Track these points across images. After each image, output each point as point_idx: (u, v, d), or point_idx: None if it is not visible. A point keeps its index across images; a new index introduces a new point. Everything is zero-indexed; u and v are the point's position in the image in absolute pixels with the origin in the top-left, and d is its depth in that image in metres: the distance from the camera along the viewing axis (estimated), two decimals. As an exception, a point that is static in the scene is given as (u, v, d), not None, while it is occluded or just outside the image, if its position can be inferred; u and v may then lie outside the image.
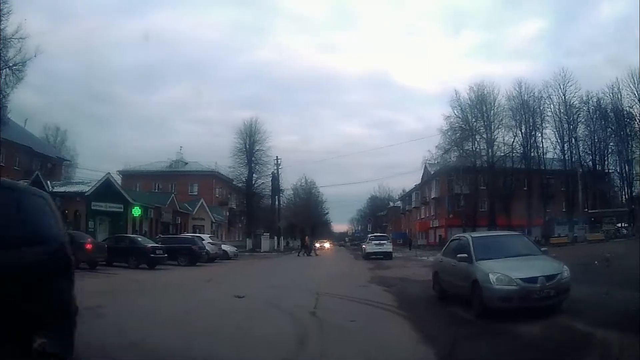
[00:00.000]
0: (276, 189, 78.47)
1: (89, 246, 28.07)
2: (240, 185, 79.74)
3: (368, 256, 46.96)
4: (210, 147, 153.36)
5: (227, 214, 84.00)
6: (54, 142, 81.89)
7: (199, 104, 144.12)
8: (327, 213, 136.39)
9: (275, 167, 77.23)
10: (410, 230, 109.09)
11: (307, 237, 66.95)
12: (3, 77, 40.02)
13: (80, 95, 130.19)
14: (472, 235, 14.94)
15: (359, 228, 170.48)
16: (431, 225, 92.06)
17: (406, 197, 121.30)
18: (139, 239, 34.20)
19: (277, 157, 77.48)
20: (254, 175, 77.32)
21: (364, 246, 53.80)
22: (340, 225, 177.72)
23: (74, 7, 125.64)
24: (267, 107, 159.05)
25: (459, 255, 13.71)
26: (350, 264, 42.53)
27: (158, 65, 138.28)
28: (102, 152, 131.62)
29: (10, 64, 39.94)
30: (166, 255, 32.20)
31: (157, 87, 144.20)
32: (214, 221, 73.48)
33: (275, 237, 76.50)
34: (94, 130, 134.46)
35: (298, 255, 57.25)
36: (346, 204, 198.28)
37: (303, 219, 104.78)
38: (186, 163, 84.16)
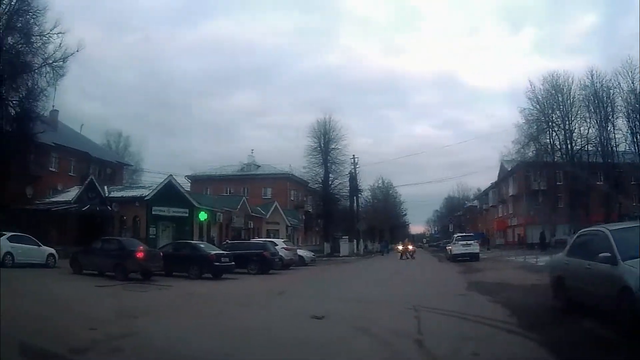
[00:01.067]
0: (354, 188, 75.99)
1: (140, 254, 25.59)
2: (316, 186, 77.60)
3: (454, 258, 45.20)
4: (281, 152, 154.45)
5: (303, 217, 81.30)
6: (117, 148, 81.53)
7: (269, 109, 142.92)
8: (405, 214, 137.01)
9: (352, 167, 75.14)
10: (487, 229, 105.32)
11: (407, 240, 66.41)
12: (43, 74, 38.67)
13: (147, 104, 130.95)
14: (611, 228, 11.55)
15: (436, 229, 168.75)
16: (509, 224, 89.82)
17: (483, 195, 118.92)
18: (202, 245, 31.52)
19: (353, 155, 75.59)
20: (330, 175, 75.17)
21: (449, 247, 51.64)
22: (416, 227, 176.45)
23: (135, 18, 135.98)
24: (337, 110, 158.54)
25: (600, 255, 10.39)
26: (437, 268, 41.12)
27: (226, 72, 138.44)
28: (170, 159, 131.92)
29: (50, 61, 38.52)
30: (233, 263, 29.34)
31: (225, 93, 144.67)
32: (289, 225, 71.23)
33: (355, 240, 73.70)
34: (162, 138, 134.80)
35: (400, 259, 55.68)
36: (422, 205, 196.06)
37: (382, 220, 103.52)
38: (258, 166, 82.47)
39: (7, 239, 28.59)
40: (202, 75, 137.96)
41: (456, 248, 46.26)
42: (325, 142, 74.05)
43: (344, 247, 69.67)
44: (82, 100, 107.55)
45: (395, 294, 20.47)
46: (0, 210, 39.60)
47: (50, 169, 50.06)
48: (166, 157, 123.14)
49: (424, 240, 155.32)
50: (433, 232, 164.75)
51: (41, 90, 38.87)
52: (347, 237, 72.98)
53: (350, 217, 76.47)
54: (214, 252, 29.28)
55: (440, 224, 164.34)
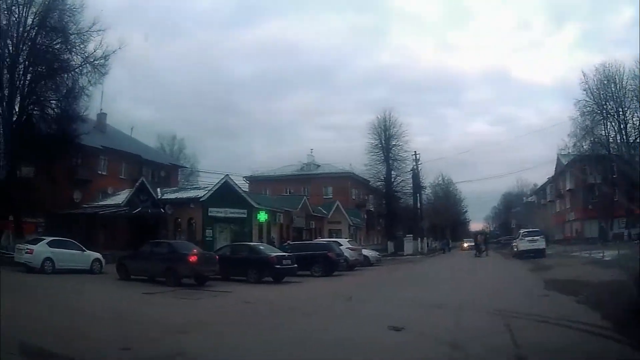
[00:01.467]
0: (417, 185, 73.44)
1: (193, 258, 23.79)
2: (378, 184, 75.87)
3: (521, 255, 43.75)
4: (340, 152, 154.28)
5: (365, 216, 79.43)
6: (171, 151, 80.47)
7: (327, 110, 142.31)
8: (465, 211, 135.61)
9: (414, 163, 72.40)
10: (546, 225, 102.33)
11: (478, 236, 65.78)
12: (84, 73, 36.87)
13: (203, 107, 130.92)
14: None
15: (495, 226, 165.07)
16: (567, 219, 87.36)
17: (540, 191, 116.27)
18: (261, 247, 29.84)
19: (415, 151, 72.75)
20: (392, 172, 72.91)
21: (514, 243, 50.41)
22: (475, 224, 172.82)
23: (188, 21, 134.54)
24: (394, 109, 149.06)
25: None
26: (505, 265, 40.53)
27: (282, 74, 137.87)
28: (228, 162, 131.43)
29: (91, 59, 36.81)
30: (295, 265, 27.27)
31: (282, 95, 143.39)
32: (351, 224, 69.47)
33: (419, 239, 71.12)
34: (219, 141, 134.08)
35: (476, 256, 55.44)
36: (480, 202, 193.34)
37: (443, 218, 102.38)
38: (318, 165, 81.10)
39: (47, 243, 27.17)
40: (259, 77, 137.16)
41: (522, 244, 44.71)
42: (386, 138, 72.06)
43: (408, 245, 67.42)
44: (135, 106, 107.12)
45: (473, 296, 18.75)
46: (45, 215, 38.56)
47: (100, 172, 48.20)
48: (224, 160, 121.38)
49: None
50: (492, 229, 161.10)
51: (82, 89, 37.11)
52: (410, 235, 70.29)
53: (413, 214, 73.95)
54: (275, 254, 27.37)
55: (498, 220, 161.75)
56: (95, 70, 36.89)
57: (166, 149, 79.93)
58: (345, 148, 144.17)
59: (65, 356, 8.58)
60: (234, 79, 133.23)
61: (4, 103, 34.03)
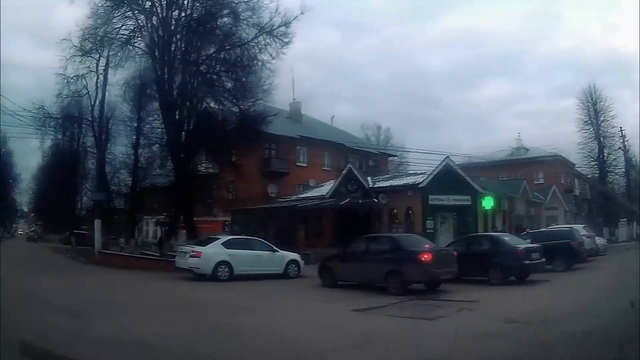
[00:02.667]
0: (629, 162, 68.93)
1: (426, 257, 17.52)
2: (592, 164, 73.18)
3: None
4: (536, 139, 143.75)
5: (574, 201, 73.46)
6: (377, 141, 77.64)
7: (520, 97, 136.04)
8: None
9: (622, 140, 68.21)
10: None
11: None
12: (262, 44, 32.91)
13: (400, 101, 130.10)
14: None
15: None
16: None
17: None
18: (506, 237, 23.39)
19: (620, 127, 68.02)
20: (604, 150, 70.64)
21: None
22: None
23: (374, 17, 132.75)
24: (597, 85, 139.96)
25: None
26: None
27: (471, 64, 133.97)
28: (432, 153, 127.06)
29: (268, 29, 32.55)
30: (544, 259, 21.67)
31: (474, 85, 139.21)
32: (567, 210, 63.02)
33: (634, 223, 64.63)
34: (421, 133, 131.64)
35: None
36: None
37: None
38: (527, 149, 76.57)
39: (222, 244, 23.13)
40: (451, 68, 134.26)
41: None
42: (594, 113, 70.24)
43: (622, 231, 64.03)
44: (332, 103, 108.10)
45: None
46: (232, 212, 36.78)
47: (298, 163, 45.73)
48: (423, 156, 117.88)
49: None
50: None
51: (262, 64, 32.98)
52: (624, 220, 65.48)
53: (625, 198, 67.61)
54: (523, 246, 21.34)
55: None
56: (276, 40, 32.73)
57: (371, 140, 76.77)
58: (541, 135, 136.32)
59: (66, 356, 7.97)
60: (428, 71, 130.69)
61: (175, 93, 31.82)
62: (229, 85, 33.21)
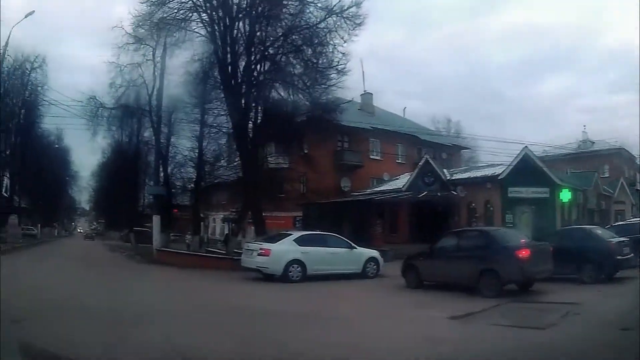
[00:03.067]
0: None
1: (524, 253, 15.59)
2: None
3: None
4: (600, 134, 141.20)
5: (638, 195, 70.47)
6: (448, 135, 76.11)
7: (578, 92, 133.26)
8: None
9: None
10: None
11: None
12: (332, 26, 30.01)
13: (467, 96, 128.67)
14: None
15: None
16: None
17: None
18: (598, 231, 20.84)
19: None
20: None
21: None
22: None
23: (436, 13, 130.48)
24: None
25: None
26: None
27: (532, 58, 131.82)
28: (500, 150, 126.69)
29: (337, 10, 29.80)
30: (632, 255, 19.08)
31: (537, 79, 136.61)
32: (634, 204, 61.39)
33: None
34: (489, 128, 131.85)
35: None
36: None
37: None
38: (593, 142, 75.52)
39: (295, 240, 21.11)
40: (514, 63, 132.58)
41: None
42: None
43: None
44: (399, 99, 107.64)
45: None
46: (303, 207, 35.56)
47: (371, 156, 44.05)
48: (497, 146, 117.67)
49: None
50: None
51: (334, 47, 30.15)
52: None
53: None
54: (615, 240, 19.26)
55: None
56: (347, 21, 30.03)
57: (443, 133, 75.44)
58: (601, 130, 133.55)
59: (66, 357, 7.84)
60: (491, 66, 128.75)
61: (239, 79, 29.91)
62: (299, 69, 30.48)
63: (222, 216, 53.19)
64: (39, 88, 54.38)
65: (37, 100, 54.17)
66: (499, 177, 36.07)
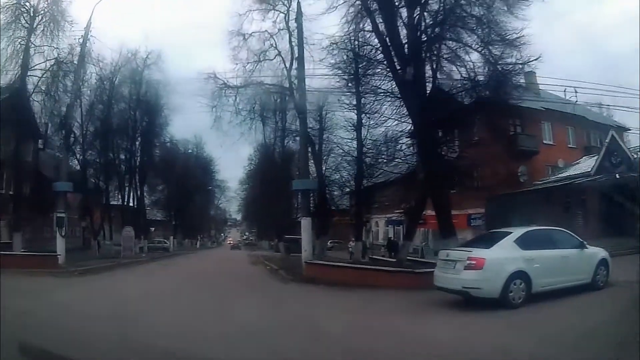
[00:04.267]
0: None
1: None
2: None
3: None
4: None
5: None
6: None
7: None
8: None
9: None
10: None
11: None
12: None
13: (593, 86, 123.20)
14: None
15: None
16: None
17: None
18: None
19: None
20: None
21: None
22: None
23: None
24: None
25: None
26: None
27: None
28: None
29: None
30: None
31: None
32: None
33: None
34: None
35: None
36: None
37: None
38: None
39: (516, 242, 14.36)
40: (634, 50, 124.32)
41: None
42: None
43: None
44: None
45: None
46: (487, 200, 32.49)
47: (544, 141, 39.67)
48: None
49: None
50: None
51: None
52: None
53: None
54: None
55: None
56: None
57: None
58: None
59: (66, 357, 7.94)
60: (614, 54, 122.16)
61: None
62: (473, 25, 23.22)
63: (385, 219, 49.34)
64: (156, 87, 48.86)
65: (157, 101, 50.14)
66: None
